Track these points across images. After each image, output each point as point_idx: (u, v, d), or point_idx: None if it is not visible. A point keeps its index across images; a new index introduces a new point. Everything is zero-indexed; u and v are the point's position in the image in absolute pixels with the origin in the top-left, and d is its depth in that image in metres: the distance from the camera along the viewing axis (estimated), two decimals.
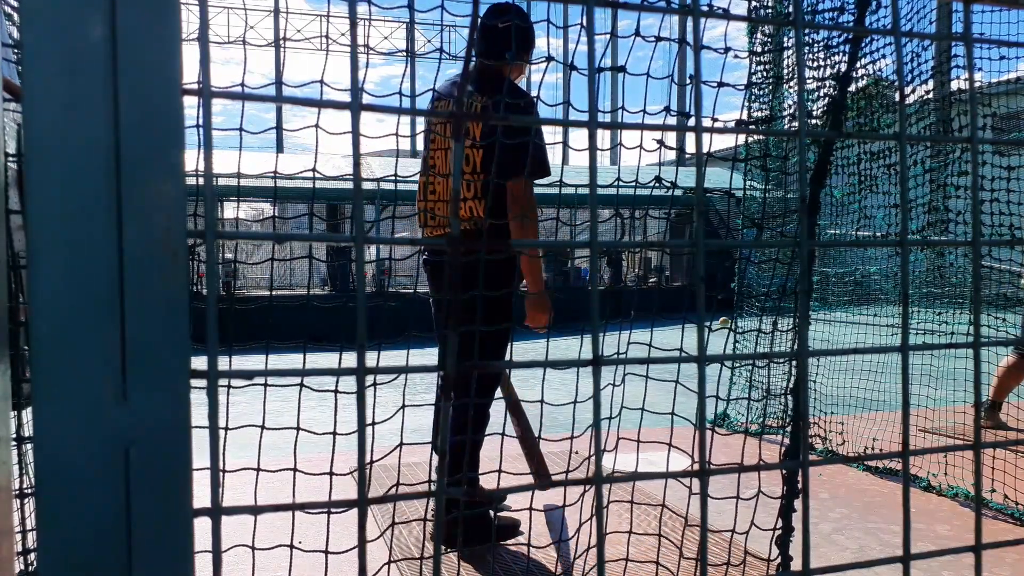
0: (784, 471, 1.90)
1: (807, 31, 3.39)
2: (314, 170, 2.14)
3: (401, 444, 2.16)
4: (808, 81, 3.67)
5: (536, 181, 2.56)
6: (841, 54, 3.57)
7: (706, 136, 0.54)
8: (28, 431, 1.83)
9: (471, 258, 2.33)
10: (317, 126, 2.09)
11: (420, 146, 2.74)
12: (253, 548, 2.03)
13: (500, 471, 2.27)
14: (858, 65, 3.60)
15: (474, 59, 2.67)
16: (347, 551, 1.95)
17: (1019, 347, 4.04)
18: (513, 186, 2.47)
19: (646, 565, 2.32)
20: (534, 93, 2.35)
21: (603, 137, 21.04)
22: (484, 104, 2.55)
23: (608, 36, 2.36)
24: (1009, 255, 5.01)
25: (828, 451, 3.80)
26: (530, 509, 2.18)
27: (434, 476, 2.81)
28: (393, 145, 2.62)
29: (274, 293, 11.98)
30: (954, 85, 3.69)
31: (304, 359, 1.98)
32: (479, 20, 2.67)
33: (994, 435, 4.07)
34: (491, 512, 2.64)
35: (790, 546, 1.87)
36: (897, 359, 4.82)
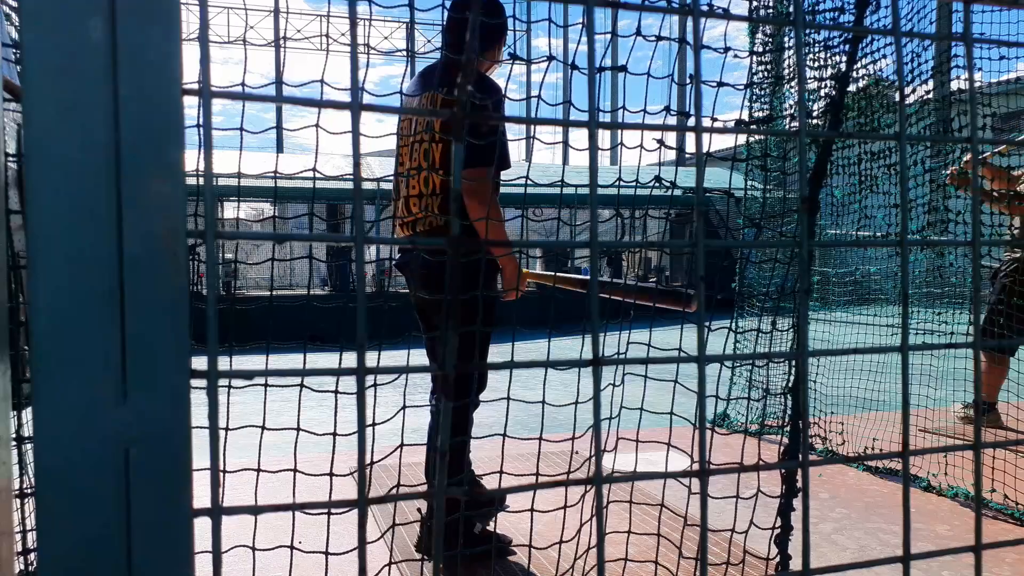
0: (783, 471, 1.90)
1: (807, 31, 3.40)
2: (314, 170, 2.14)
3: (402, 444, 2.16)
4: (808, 81, 3.67)
5: (515, 176, 2.51)
6: (841, 54, 3.58)
7: (706, 136, 0.54)
8: (28, 431, 1.83)
9: (441, 259, 2.27)
10: (317, 126, 2.09)
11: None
12: (253, 548, 2.03)
13: (501, 471, 2.26)
14: (858, 65, 3.60)
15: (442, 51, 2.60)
16: (347, 552, 1.95)
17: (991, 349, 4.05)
18: (469, 174, 2.30)
19: (645, 565, 2.32)
20: (535, 93, 2.32)
21: (604, 137, 21.06)
22: (445, 98, 2.46)
23: (608, 36, 2.36)
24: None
25: (828, 451, 3.80)
26: (531, 510, 2.17)
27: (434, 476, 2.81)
28: (393, 145, 2.58)
29: (274, 293, 11.97)
30: (954, 85, 3.70)
31: (304, 359, 1.98)
32: (448, 12, 2.58)
33: (994, 435, 4.07)
34: (479, 524, 2.58)
35: (789, 545, 1.87)
36: (897, 359, 4.82)
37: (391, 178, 2.74)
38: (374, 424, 1.74)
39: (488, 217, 2.33)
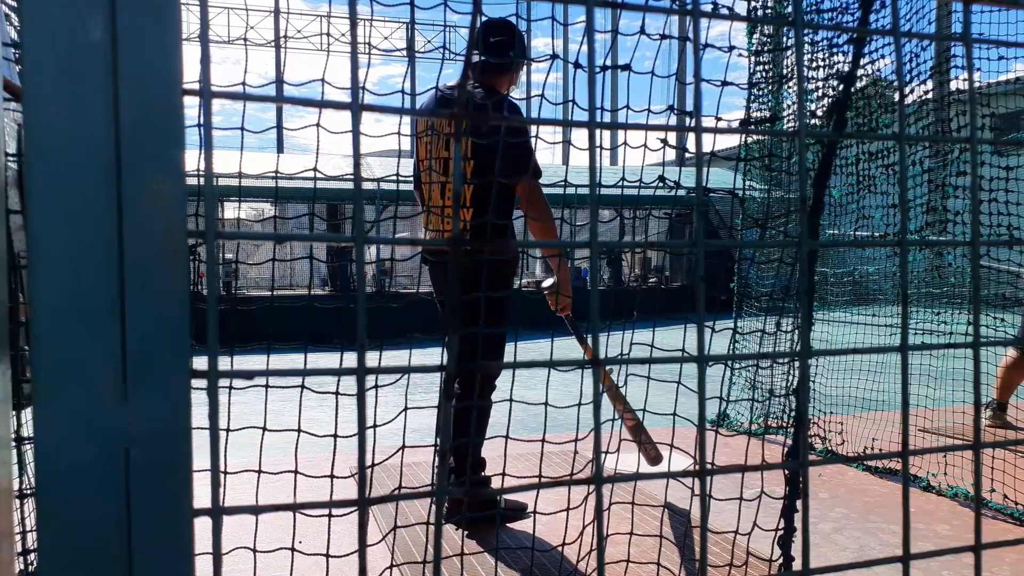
0: (786, 471, 1.90)
1: (808, 31, 3.39)
2: (314, 170, 2.14)
3: (404, 447, 2.15)
4: (809, 81, 3.67)
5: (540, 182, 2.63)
6: (843, 54, 3.57)
7: (707, 136, 0.54)
8: (28, 431, 1.83)
9: (469, 260, 2.36)
10: (318, 126, 2.09)
11: (411, 149, 2.83)
12: (254, 550, 2.03)
13: (504, 473, 2.26)
14: (860, 64, 3.60)
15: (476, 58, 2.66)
16: (348, 555, 1.95)
17: (1020, 345, 4.02)
18: (522, 188, 2.55)
19: (647, 565, 2.32)
20: (536, 92, 2.36)
21: (604, 137, 21.05)
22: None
23: (609, 35, 2.36)
24: (1008, 255, 5.01)
25: (828, 451, 3.80)
26: (533, 512, 2.17)
27: (435, 476, 2.82)
28: (393, 145, 2.60)
29: (275, 293, 11.97)
30: (953, 85, 3.69)
31: (305, 359, 1.98)
32: (477, 34, 2.70)
33: (994, 435, 4.06)
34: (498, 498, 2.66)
35: (792, 546, 1.87)
36: (897, 359, 4.81)
37: (392, 178, 2.77)
38: (375, 425, 1.74)
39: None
